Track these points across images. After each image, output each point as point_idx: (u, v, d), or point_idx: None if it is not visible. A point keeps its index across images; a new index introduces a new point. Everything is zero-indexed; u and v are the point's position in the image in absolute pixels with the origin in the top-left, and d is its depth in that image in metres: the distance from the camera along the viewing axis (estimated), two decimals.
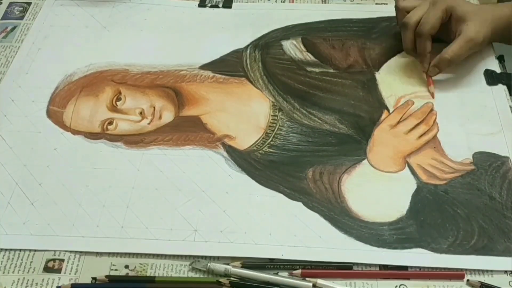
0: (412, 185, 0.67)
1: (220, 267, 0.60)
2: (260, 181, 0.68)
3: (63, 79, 0.80)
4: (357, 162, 0.69)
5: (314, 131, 0.73)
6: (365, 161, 0.70)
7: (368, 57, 0.81)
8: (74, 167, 0.70)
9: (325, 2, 0.91)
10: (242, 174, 0.69)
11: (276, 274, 0.60)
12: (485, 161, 0.69)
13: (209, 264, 0.60)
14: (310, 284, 0.58)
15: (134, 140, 0.73)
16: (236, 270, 0.60)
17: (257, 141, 0.72)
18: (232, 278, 0.59)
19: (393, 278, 0.60)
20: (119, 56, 0.83)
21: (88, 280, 0.60)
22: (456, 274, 0.59)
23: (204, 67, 0.81)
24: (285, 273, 0.60)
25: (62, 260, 0.61)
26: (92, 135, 0.73)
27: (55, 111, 0.76)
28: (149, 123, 0.75)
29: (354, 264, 0.61)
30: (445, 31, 0.77)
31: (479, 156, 0.69)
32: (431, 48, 0.77)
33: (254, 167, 0.69)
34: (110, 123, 0.74)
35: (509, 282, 0.59)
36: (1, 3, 0.91)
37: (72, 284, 0.59)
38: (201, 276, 0.60)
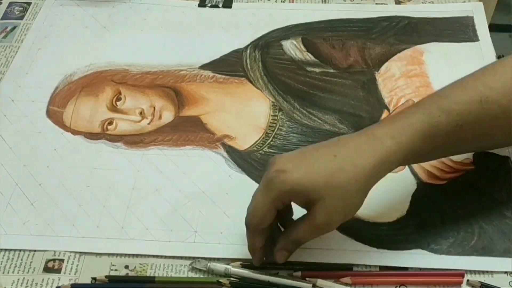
0: (412, 185, 0.67)
1: (220, 267, 0.60)
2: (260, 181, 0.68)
3: (63, 79, 0.80)
4: None
5: (314, 131, 0.73)
6: None
7: (368, 57, 0.81)
8: (74, 167, 0.70)
9: (325, 2, 0.91)
10: (242, 174, 0.69)
11: (276, 274, 0.60)
12: (486, 161, 0.69)
13: (209, 264, 0.60)
14: (310, 285, 0.58)
15: (134, 140, 0.73)
16: (236, 270, 0.60)
17: (257, 141, 0.72)
18: (232, 278, 0.59)
19: (393, 277, 0.60)
20: (119, 56, 0.83)
21: (88, 280, 0.60)
22: (456, 275, 0.59)
23: (204, 67, 0.81)
24: (285, 273, 0.60)
25: (62, 260, 0.61)
26: (92, 135, 0.73)
27: (55, 111, 0.76)
28: (149, 123, 0.74)
29: (354, 265, 0.61)
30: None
31: (480, 156, 0.69)
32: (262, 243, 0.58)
33: (254, 168, 0.69)
34: (110, 123, 0.74)
35: (509, 282, 0.59)
36: (1, 3, 0.91)
37: (72, 284, 0.59)
38: (201, 276, 0.60)
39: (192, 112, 0.76)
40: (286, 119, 0.74)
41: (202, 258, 0.61)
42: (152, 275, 0.60)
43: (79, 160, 0.70)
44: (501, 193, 0.66)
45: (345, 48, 0.82)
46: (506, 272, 0.60)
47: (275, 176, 0.53)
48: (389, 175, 0.67)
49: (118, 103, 0.77)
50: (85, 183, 0.68)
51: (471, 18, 0.86)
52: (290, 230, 0.57)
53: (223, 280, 0.59)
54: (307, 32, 0.85)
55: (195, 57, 0.82)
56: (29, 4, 0.91)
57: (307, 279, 0.59)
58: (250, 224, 0.56)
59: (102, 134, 0.73)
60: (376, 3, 0.90)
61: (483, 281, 0.59)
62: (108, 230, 0.64)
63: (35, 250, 0.62)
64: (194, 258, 0.61)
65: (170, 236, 0.63)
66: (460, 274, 0.59)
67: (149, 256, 0.62)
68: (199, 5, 0.91)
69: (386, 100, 0.76)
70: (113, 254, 0.62)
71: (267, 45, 0.84)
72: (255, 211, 0.55)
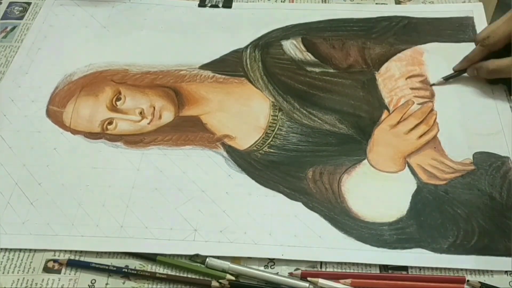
0: (412, 185, 0.67)
1: (219, 262, 0.60)
2: (260, 181, 0.68)
3: (62, 79, 0.80)
4: (357, 162, 0.69)
5: (314, 131, 0.73)
6: (365, 161, 0.70)
7: (368, 57, 0.81)
8: (74, 167, 0.70)
9: (325, 2, 0.91)
10: (242, 174, 0.69)
11: (276, 274, 0.60)
12: (485, 161, 0.69)
13: (207, 259, 0.60)
14: (307, 284, 0.58)
15: (134, 140, 0.73)
16: (235, 266, 0.60)
17: (257, 141, 0.72)
18: (229, 276, 0.59)
19: (393, 280, 0.60)
20: (119, 56, 0.83)
21: (88, 281, 0.60)
22: (457, 281, 0.59)
23: (204, 67, 0.81)
24: (285, 273, 0.60)
25: (61, 264, 0.61)
26: (91, 135, 0.73)
27: (55, 110, 0.76)
28: (149, 123, 0.74)
29: (354, 264, 0.61)
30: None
31: (479, 156, 0.69)
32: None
33: (254, 167, 0.69)
34: (110, 123, 0.74)
35: (509, 282, 0.59)
36: (1, 3, 0.91)
37: (68, 260, 0.61)
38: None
39: (192, 112, 0.76)
40: (286, 119, 0.74)
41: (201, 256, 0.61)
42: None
43: (79, 159, 0.70)
44: (501, 193, 0.66)
45: (345, 48, 0.82)
46: (506, 272, 0.60)
47: None
48: (389, 175, 0.68)
49: (118, 103, 0.77)
50: (85, 182, 0.68)
51: (471, 18, 0.86)
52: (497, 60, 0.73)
53: (223, 281, 0.59)
54: (307, 32, 0.85)
55: (195, 57, 0.82)
56: (29, 4, 0.91)
57: (308, 279, 0.59)
58: (486, 40, 0.73)
59: (102, 134, 0.73)
60: (376, 3, 0.90)
61: (483, 281, 0.59)
62: (108, 229, 0.64)
63: (35, 250, 0.62)
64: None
65: (169, 234, 0.63)
66: (461, 280, 0.59)
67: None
68: (199, 5, 0.91)
69: (386, 100, 0.76)
70: (113, 254, 0.62)
71: (267, 45, 0.84)
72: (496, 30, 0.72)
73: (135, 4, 0.91)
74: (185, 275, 0.60)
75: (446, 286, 0.59)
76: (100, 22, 0.88)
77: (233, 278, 0.59)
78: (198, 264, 0.61)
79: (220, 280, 0.59)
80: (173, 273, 0.61)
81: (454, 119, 0.74)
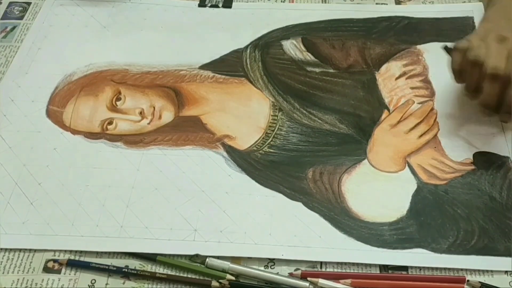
0: (413, 185, 0.67)
1: (219, 262, 0.60)
2: (260, 181, 0.68)
3: (62, 79, 0.80)
4: (357, 162, 0.69)
5: (314, 131, 0.73)
6: (365, 161, 0.69)
7: (368, 57, 0.81)
8: (74, 167, 0.70)
9: (325, 2, 0.91)
10: (242, 174, 0.69)
11: (276, 274, 0.60)
12: (486, 161, 0.69)
13: (207, 259, 0.60)
14: (307, 284, 0.58)
15: (134, 140, 0.73)
16: (235, 266, 0.60)
17: (257, 141, 0.72)
18: (230, 276, 0.59)
19: (393, 280, 0.60)
20: (119, 56, 0.82)
21: (88, 281, 0.60)
22: (457, 280, 0.59)
23: (204, 67, 0.81)
24: (286, 273, 0.60)
25: (61, 265, 0.61)
26: (91, 135, 0.73)
27: (55, 110, 0.76)
28: (149, 123, 0.74)
29: (354, 264, 0.61)
30: None
31: (480, 156, 0.69)
32: None
33: (254, 167, 0.69)
34: (110, 123, 0.74)
35: (509, 282, 0.59)
36: (1, 3, 0.91)
37: (68, 259, 0.61)
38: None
39: (192, 112, 0.76)
40: (286, 119, 0.74)
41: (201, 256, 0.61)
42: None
43: (79, 159, 0.70)
44: (501, 193, 0.66)
45: (345, 48, 0.82)
46: (506, 272, 0.60)
47: None
48: (389, 175, 0.68)
49: (118, 103, 0.77)
50: (85, 182, 0.68)
51: (471, 18, 0.86)
52: None
53: (223, 281, 0.59)
54: (307, 32, 0.85)
55: (195, 57, 0.82)
56: (29, 4, 0.91)
57: (308, 279, 0.59)
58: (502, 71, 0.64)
59: (102, 134, 0.73)
60: (376, 3, 0.90)
61: (483, 280, 0.59)
62: (108, 229, 0.64)
63: (35, 250, 0.62)
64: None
65: (169, 234, 0.63)
66: (461, 279, 0.59)
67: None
68: (199, 5, 0.91)
69: (386, 100, 0.76)
70: (113, 254, 0.62)
71: (267, 45, 0.84)
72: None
73: (135, 4, 0.91)
74: (185, 275, 0.60)
75: (446, 286, 0.59)
76: (100, 22, 0.88)
77: (233, 278, 0.59)
78: (198, 264, 0.61)
79: (220, 280, 0.59)
80: (173, 273, 0.60)
81: (454, 118, 0.74)
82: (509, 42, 0.65)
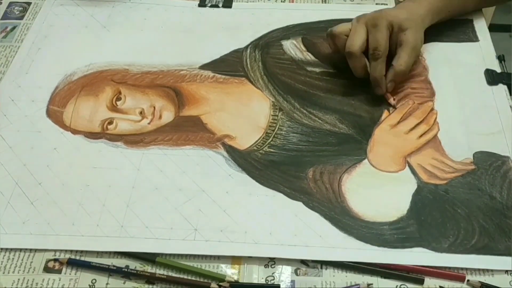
0: (413, 185, 0.67)
1: None
2: (260, 181, 0.68)
3: (63, 78, 0.80)
4: (358, 162, 0.69)
5: (314, 131, 0.73)
6: (366, 161, 0.70)
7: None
8: (74, 167, 0.70)
9: (325, 2, 0.91)
10: (242, 174, 0.69)
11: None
12: (486, 161, 0.69)
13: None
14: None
15: (134, 139, 0.73)
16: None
17: (257, 141, 0.72)
18: (229, 278, 0.59)
19: (394, 270, 0.60)
20: (119, 56, 0.83)
21: (88, 280, 0.60)
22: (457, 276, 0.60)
23: (204, 67, 0.81)
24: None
25: (62, 263, 0.61)
26: (92, 135, 0.73)
27: (55, 110, 0.76)
28: (149, 123, 0.74)
29: (354, 263, 0.61)
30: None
31: (480, 155, 0.69)
32: (385, 70, 0.74)
33: (254, 167, 0.69)
34: (110, 123, 0.74)
35: (510, 282, 0.59)
36: (1, 3, 0.91)
37: (68, 259, 0.61)
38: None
39: (192, 112, 0.76)
40: (286, 119, 0.74)
41: (202, 256, 0.61)
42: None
43: (79, 159, 0.70)
44: (501, 193, 0.66)
45: None
46: (506, 271, 0.60)
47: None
48: (390, 175, 0.68)
49: (118, 102, 0.77)
50: (85, 182, 0.68)
51: (471, 19, 0.86)
52: (396, 62, 0.74)
53: (223, 283, 0.59)
54: (307, 32, 0.85)
55: (195, 57, 0.82)
56: (29, 4, 0.91)
57: None
58: (380, 55, 0.73)
59: (102, 134, 0.73)
60: (376, 3, 0.90)
61: (483, 280, 0.59)
62: (108, 228, 0.64)
63: (35, 250, 0.62)
64: (194, 256, 0.61)
65: (170, 234, 0.63)
66: (461, 277, 0.59)
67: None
68: (199, 5, 0.91)
69: (386, 100, 0.76)
70: (113, 253, 0.62)
71: (267, 45, 0.84)
72: (379, 41, 0.73)
73: (135, 4, 0.91)
74: (184, 276, 0.60)
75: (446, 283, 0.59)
76: (100, 22, 0.88)
77: (232, 280, 0.59)
78: (197, 265, 0.60)
79: (220, 283, 0.59)
80: (173, 274, 0.60)
81: (454, 118, 0.74)
82: (378, 30, 0.73)
